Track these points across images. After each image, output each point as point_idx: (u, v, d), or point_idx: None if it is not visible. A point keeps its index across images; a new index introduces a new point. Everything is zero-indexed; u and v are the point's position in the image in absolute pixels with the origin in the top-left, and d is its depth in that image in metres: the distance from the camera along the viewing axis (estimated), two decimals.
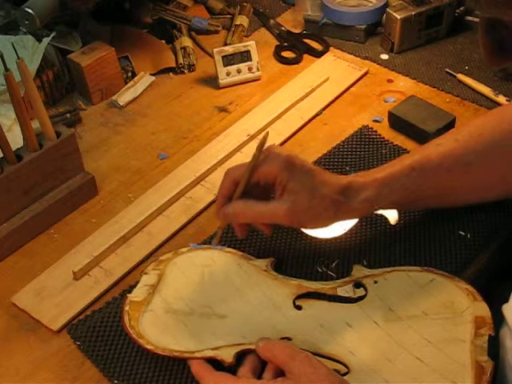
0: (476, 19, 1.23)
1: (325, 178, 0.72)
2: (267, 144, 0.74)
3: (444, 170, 0.75)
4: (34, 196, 0.88)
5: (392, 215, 0.85)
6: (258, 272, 0.77)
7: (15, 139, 0.91)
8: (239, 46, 1.13)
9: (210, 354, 0.68)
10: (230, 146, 0.99)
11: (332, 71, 1.14)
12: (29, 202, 0.88)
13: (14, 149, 0.86)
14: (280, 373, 0.65)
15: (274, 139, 1.01)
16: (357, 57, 1.18)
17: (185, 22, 1.25)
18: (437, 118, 0.97)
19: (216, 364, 0.68)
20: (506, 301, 0.68)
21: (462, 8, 1.22)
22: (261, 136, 0.75)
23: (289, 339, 0.70)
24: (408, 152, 0.95)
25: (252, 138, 1.01)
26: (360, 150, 0.97)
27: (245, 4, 1.29)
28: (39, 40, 1.05)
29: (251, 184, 0.73)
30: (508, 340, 0.66)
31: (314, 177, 0.71)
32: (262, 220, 0.74)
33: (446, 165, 0.75)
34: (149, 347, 0.69)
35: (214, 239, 0.79)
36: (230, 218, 0.74)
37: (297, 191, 0.70)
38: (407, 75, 1.12)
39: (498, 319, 0.69)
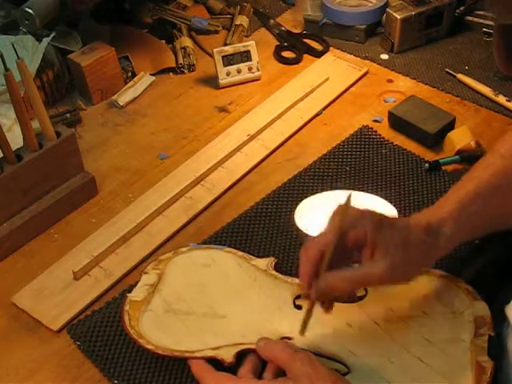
0: (476, 19, 1.23)
1: (408, 225, 0.68)
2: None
3: (505, 189, 0.72)
4: (34, 196, 0.88)
5: (392, 215, 0.85)
6: (258, 272, 0.77)
7: (15, 139, 0.91)
8: (239, 46, 1.13)
9: (210, 353, 0.68)
10: (229, 146, 0.99)
11: (332, 71, 1.14)
12: (29, 202, 0.88)
13: (14, 149, 0.86)
14: (280, 373, 0.65)
15: (274, 139, 1.01)
16: (357, 57, 1.17)
17: (185, 21, 1.25)
18: (437, 118, 0.97)
19: (216, 364, 0.68)
20: (509, 302, 0.68)
21: (462, 8, 1.22)
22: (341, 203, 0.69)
23: (289, 339, 0.70)
24: (408, 152, 0.95)
25: (252, 137, 1.01)
26: (360, 150, 0.97)
27: (245, 4, 1.29)
28: (39, 40, 1.05)
29: (337, 253, 0.67)
30: (511, 341, 0.66)
31: (400, 228, 0.67)
32: (357, 287, 0.70)
33: (505, 183, 0.72)
34: (149, 347, 0.69)
35: (300, 330, 0.68)
36: (325, 293, 0.67)
37: (389, 247, 0.65)
38: (407, 75, 1.12)
39: (499, 319, 0.69)
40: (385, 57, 1.17)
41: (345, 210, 0.67)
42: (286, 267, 0.80)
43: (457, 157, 0.93)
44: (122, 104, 1.10)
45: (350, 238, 0.66)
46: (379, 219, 0.67)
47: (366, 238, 0.66)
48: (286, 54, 1.21)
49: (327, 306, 0.69)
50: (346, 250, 0.67)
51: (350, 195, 0.67)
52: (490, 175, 0.72)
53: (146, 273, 0.78)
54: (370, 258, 0.66)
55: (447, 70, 1.12)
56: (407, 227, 0.67)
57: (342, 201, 0.67)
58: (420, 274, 0.70)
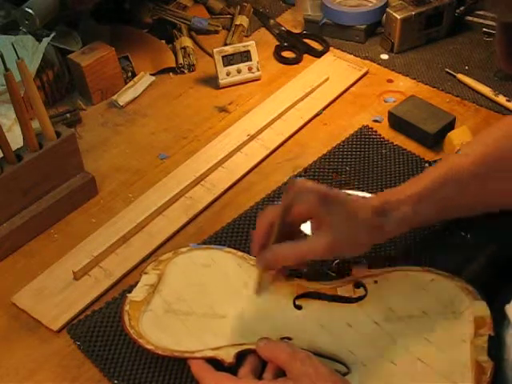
0: (476, 19, 1.23)
1: (358, 203, 0.70)
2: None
3: (479, 179, 0.72)
4: (34, 196, 0.88)
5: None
6: (258, 272, 0.77)
7: (15, 139, 0.91)
8: (239, 46, 1.13)
9: (210, 354, 0.68)
10: (229, 146, 0.99)
11: (332, 71, 1.13)
12: (29, 202, 0.88)
13: (14, 149, 0.86)
14: (280, 373, 0.65)
15: (274, 139, 1.01)
16: (357, 57, 1.17)
17: (185, 21, 1.25)
18: (437, 117, 0.97)
19: (216, 364, 0.68)
20: (509, 302, 0.68)
21: (462, 8, 1.22)
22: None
23: (289, 339, 0.70)
24: (408, 152, 0.95)
25: (252, 137, 1.01)
26: (360, 150, 0.97)
27: (245, 4, 1.29)
28: (39, 40, 1.05)
29: (284, 225, 0.70)
30: (510, 340, 0.66)
31: (348, 205, 0.69)
32: (302, 259, 0.71)
33: (481, 173, 0.72)
34: (149, 347, 0.69)
35: (255, 291, 0.73)
36: (271, 264, 0.71)
37: (334, 224, 0.68)
38: (407, 75, 1.12)
39: (499, 319, 0.69)
40: (385, 57, 1.17)
41: (292, 183, 0.70)
42: (285, 267, 0.80)
43: None
44: (122, 104, 1.10)
45: (295, 212, 0.69)
46: (324, 193, 0.69)
47: (310, 213, 0.69)
48: (286, 54, 1.21)
49: (276, 275, 0.73)
50: (295, 224, 0.71)
51: (299, 173, 0.71)
52: (470, 163, 0.73)
53: (145, 273, 0.78)
54: (317, 232, 0.69)
55: (447, 70, 1.12)
56: (355, 205, 0.69)
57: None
58: (366, 251, 0.72)
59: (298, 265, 0.74)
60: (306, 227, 0.81)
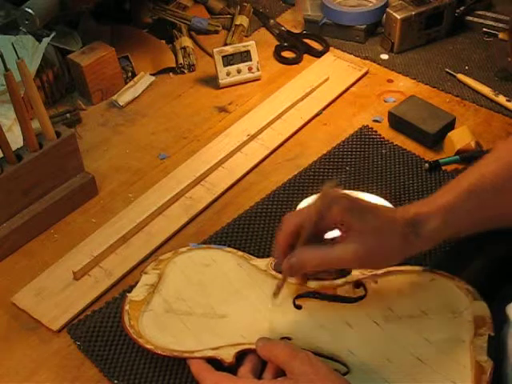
0: (476, 19, 1.23)
1: (389, 213, 0.68)
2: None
3: (502, 189, 0.71)
4: (34, 196, 0.88)
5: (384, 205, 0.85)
6: (257, 272, 0.77)
7: (15, 139, 0.91)
8: (239, 46, 1.13)
9: (209, 353, 0.68)
10: (229, 146, 0.99)
11: (332, 71, 1.14)
12: (29, 202, 0.88)
13: (14, 149, 0.86)
14: (280, 373, 0.65)
15: (274, 139, 1.01)
16: (357, 57, 1.18)
17: (185, 22, 1.25)
18: (437, 117, 0.97)
19: (216, 364, 0.68)
20: (509, 302, 0.68)
21: (462, 8, 1.22)
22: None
23: (289, 339, 0.70)
24: (408, 152, 0.95)
25: (252, 137, 1.01)
26: (360, 150, 0.97)
27: (245, 4, 1.29)
28: (39, 40, 1.05)
29: (312, 232, 0.68)
30: (511, 341, 0.66)
31: (379, 214, 0.67)
32: (328, 266, 0.69)
33: (503, 183, 0.71)
34: (148, 347, 0.69)
35: (274, 293, 0.71)
36: (296, 268, 0.68)
37: (364, 231, 0.66)
38: (407, 75, 1.12)
39: (499, 319, 0.69)
40: (385, 57, 1.17)
41: (326, 192, 0.68)
42: None
43: (457, 157, 0.93)
44: (121, 104, 1.10)
45: (327, 218, 0.67)
46: (353, 202, 0.68)
47: (339, 221, 0.67)
48: (286, 53, 1.21)
49: (299, 281, 0.71)
50: (322, 231, 0.69)
51: (334, 182, 0.68)
52: (490, 174, 0.71)
53: (145, 273, 0.78)
54: (345, 240, 0.67)
55: (447, 70, 1.12)
56: (384, 216, 0.68)
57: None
58: (395, 264, 0.70)
59: (323, 272, 0.72)
60: (330, 235, 0.80)
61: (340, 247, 0.67)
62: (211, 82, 1.14)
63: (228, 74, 1.12)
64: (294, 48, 1.21)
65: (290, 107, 1.06)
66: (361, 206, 0.67)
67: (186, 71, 1.17)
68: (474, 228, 0.73)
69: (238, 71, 1.13)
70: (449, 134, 0.95)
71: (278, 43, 1.23)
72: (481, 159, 0.74)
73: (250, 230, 0.86)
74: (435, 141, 0.96)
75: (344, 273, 0.74)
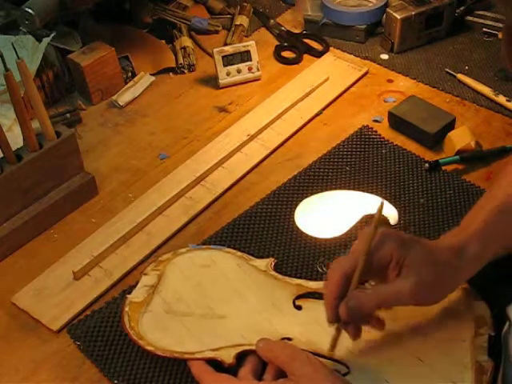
0: (476, 19, 1.23)
1: (435, 245, 0.68)
2: None
3: None
4: (34, 196, 0.88)
5: (392, 215, 0.85)
6: (257, 272, 0.77)
7: (15, 139, 0.91)
8: (239, 46, 1.13)
9: (210, 354, 0.68)
10: (229, 146, 0.99)
11: (332, 71, 1.13)
12: (29, 201, 0.88)
13: (14, 149, 0.86)
14: (281, 373, 0.65)
15: (274, 139, 1.01)
16: (357, 57, 1.17)
17: (185, 22, 1.25)
18: (437, 117, 0.97)
19: (216, 365, 0.68)
20: (510, 302, 0.68)
21: (462, 8, 1.22)
22: (367, 229, 0.68)
23: (289, 339, 0.70)
24: (408, 152, 0.95)
25: (252, 137, 1.01)
26: (360, 150, 0.97)
27: (245, 4, 1.29)
28: (39, 40, 1.05)
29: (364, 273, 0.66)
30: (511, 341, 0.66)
31: (429, 248, 0.66)
32: (386, 305, 0.67)
33: None
34: (149, 348, 0.69)
35: (330, 347, 0.67)
36: (355, 312, 0.65)
37: (418, 266, 0.64)
38: (407, 75, 1.12)
39: (499, 319, 0.69)
40: (385, 57, 1.17)
41: (372, 232, 0.66)
42: (285, 268, 0.80)
43: (457, 157, 0.93)
44: (121, 104, 1.10)
45: (375, 260, 0.66)
46: (403, 238, 0.66)
47: (390, 259, 0.65)
48: (286, 53, 1.21)
49: (354, 332, 0.66)
50: (370, 275, 0.67)
51: (381, 207, 0.66)
52: None
53: (145, 274, 0.78)
54: (398, 276, 0.65)
55: (447, 70, 1.12)
56: (435, 248, 0.67)
57: (373, 210, 0.66)
58: (446, 297, 0.69)
59: (374, 322, 0.68)
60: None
61: (397, 283, 0.65)
62: (211, 81, 1.14)
63: (228, 74, 1.12)
64: (294, 48, 1.21)
65: (290, 107, 1.06)
66: (409, 241, 0.66)
67: (186, 71, 1.17)
68: (509, 247, 0.72)
69: (238, 71, 1.13)
70: (449, 134, 0.95)
71: (278, 43, 1.23)
72: (503, 176, 0.74)
73: (250, 230, 0.86)
74: (435, 141, 0.96)
75: None
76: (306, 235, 0.84)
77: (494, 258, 0.72)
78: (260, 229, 0.86)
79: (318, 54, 1.19)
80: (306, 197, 0.90)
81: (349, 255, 0.67)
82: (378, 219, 0.66)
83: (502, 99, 1.03)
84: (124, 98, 1.11)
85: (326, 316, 0.66)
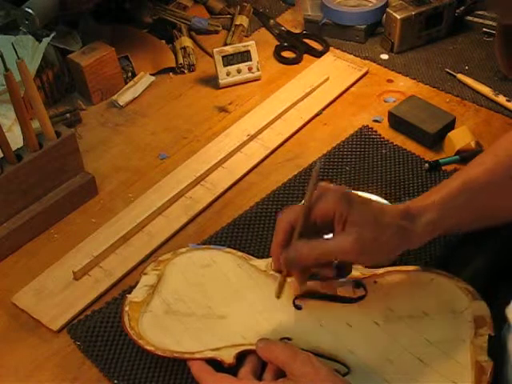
0: (476, 19, 1.23)
1: (382, 206, 0.69)
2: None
3: (493, 187, 0.73)
4: (34, 196, 0.88)
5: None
6: (257, 272, 0.77)
7: (15, 139, 0.91)
8: (239, 46, 1.13)
9: (210, 354, 0.68)
10: (229, 146, 0.99)
11: (332, 71, 1.13)
12: (29, 201, 0.88)
13: (14, 149, 0.86)
14: (280, 373, 0.65)
15: (274, 139, 1.01)
16: (357, 57, 1.17)
17: (185, 22, 1.25)
18: (437, 117, 0.97)
19: (216, 365, 0.68)
20: (509, 303, 0.68)
21: (462, 8, 1.22)
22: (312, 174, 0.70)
23: (289, 339, 0.70)
24: (408, 152, 0.95)
25: (252, 137, 1.01)
26: (360, 150, 0.97)
27: (245, 4, 1.29)
28: (39, 40, 1.05)
29: (307, 225, 0.68)
30: (511, 341, 0.66)
31: (373, 207, 0.68)
32: (327, 258, 0.68)
33: (494, 181, 0.73)
34: (149, 348, 0.69)
35: (276, 294, 0.70)
36: (293, 262, 0.67)
37: (360, 223, 0.66)
38: (407, 75, 1.12)
39: (499, 320, 0.69)
40: (385, 57, 1.17)
41: (312, 184, 0.68)
42: None
43: (457, 157, 0.93)
44: (122, 104, 1.10)
45: (318, 212, 0.67)
46: (346, 193, 0.68)
47: (333, 212, 0.67)
48: (286, 53, 1.21)
49: (299, 278, 0.69)
50: (316, 226, 0.69)
51: (318, 166, 0.68)
52: (480, 172, 0.73)
53: (145, 274, 0.78)
54: (342, 232, 0.67)
55: (447, 70, 1.12)
56: (380, 208, 0.68)
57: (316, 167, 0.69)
58: (392, 260, 0.71)
59: (323, 270, 0.70)
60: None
61: (338, 237, 0.67)
62: (211, 81, 1.14)
63: (228, 74, 1.12)
64: (294, 48, 1.21)
65: (290, 107, 1.06)
66: (354, 198, 0.68)
67: (186, 71, 1.17)
68: (470, 224, 0.74)
69: (238, 71, 1.13)
70: (449, 134, 0.95)
71: (278, 43, 1.23)
72: (476, 157, 0.76)
73: (250, 230, 0.86)
74: (435, 141, 0.96)
75: (344, 273, 0.74)
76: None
77: (444, 234, 0.76)
78: (260, 229, 0.86)
79: (318, 54, 1.19)
80: None
81: (296, 206, 0.70)
82: (318, 172, 0.68)
83: (502, 99, 1.03)
84: (124, 97, 1.11)
85: (272, 264, 0.70)
